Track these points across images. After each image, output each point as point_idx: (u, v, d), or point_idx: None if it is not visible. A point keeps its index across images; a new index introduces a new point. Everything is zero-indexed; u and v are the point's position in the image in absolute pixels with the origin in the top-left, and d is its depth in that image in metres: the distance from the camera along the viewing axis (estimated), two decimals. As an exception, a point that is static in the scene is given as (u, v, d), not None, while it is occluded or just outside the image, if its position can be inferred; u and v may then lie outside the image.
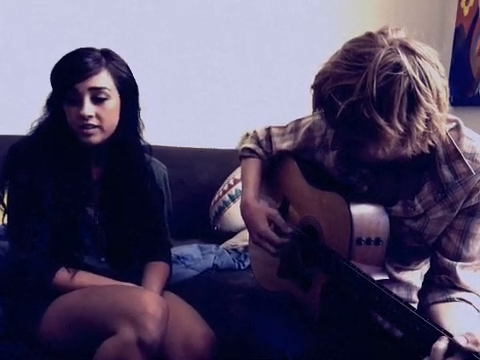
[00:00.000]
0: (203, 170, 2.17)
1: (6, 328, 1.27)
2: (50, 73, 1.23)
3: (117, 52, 1.27)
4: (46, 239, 1.25)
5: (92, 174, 1.30)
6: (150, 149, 1.39)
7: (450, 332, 0.78)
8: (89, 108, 1.19)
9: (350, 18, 2.46)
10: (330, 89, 0.90)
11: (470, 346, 0.73)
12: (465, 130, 1.02)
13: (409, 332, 0.82)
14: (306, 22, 2.46)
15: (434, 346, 0.76)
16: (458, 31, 2.47)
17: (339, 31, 2.41)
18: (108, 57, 1.23)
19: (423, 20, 2.45)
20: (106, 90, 1.21)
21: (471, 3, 2.40)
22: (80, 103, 1.19)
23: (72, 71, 1.19)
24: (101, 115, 1.21)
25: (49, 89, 1.25)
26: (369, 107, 0.87)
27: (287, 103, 2.36)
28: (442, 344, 0.75)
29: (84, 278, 1.26)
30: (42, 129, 1.27)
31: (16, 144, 1.26)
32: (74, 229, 1.26)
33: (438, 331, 0.77)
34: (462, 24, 2.45)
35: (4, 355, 1.21)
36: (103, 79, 1.21)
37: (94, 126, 1.20)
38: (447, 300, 1.01)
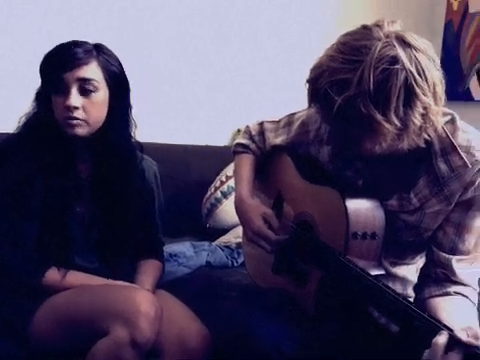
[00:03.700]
0: (195, 167, 2.15)
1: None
2: (40, 63, 1.21)
3: (110, 47, 1.25)
4: (34, 237, 1.23)
5: (80, 170, 1.28)
6: (141, 147, 1.37)
7: (448, 326, 0.78)
8: (75, 99, 1.17)
9: (339, 12, 2.46)
10: (326, 83, 0.89)
11: (471, 340, 0.73)
12: (460, 123, 1.02)
13: (407, 327, 0.82)
14: (298, 16, 2.45)
15: (434, 341, 0.75)
16: (448, 26, 2.48)
17: (330, 25, 2.40)
18: (99, 50, 1.22)
19: (413, 15, 2.46)
20: (94, 82, 1.19)
21: (460, -3, 2.41)
22: (67, 94, 1.17)
23: (61, 60, 1.18)
24: (87, 108, 1.19)
25: (38, 85, 1.24)
26: (366, 102, 0.86)
27: (281, 98, 2.35)
28: (442, 339, 0.75)
29: (75, 278, 1.24)
30: (30, 123, 1.25)
31: (3, 141, 1.25)
32: (63, 227, 1.25)
33: (438, 325, 0.76)
34: (452, 19, 2.46)
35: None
36: (92, 70, 1.19)
37: (79, 119, 1.18)
38: (444, 294, 1.01)
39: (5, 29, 2.00)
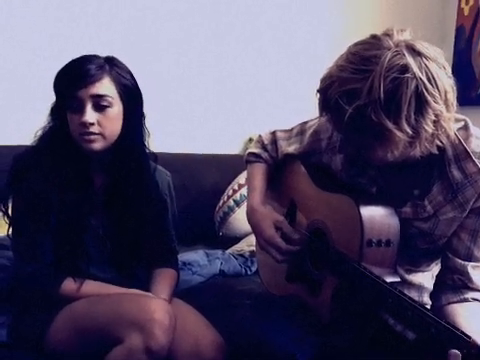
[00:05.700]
0: (207, 176, 2.16)
1: (12, 337, 1.26)
2: (53, 80, 1.22)
3: (119, 58, 1.27)
4: (50, 250, 1.24)
5: (94, 182, 1.29)
6: (155, 157, 1.38)
7: (467, 333, 0.77)
8: (90, 115, 1.18)
9: (349, 20, 2.46)
10: (337, 93, 0.90)
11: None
12: (473, 129, 1.01)
13: (424, 334, 0.81)
14: (308, 25, 2.46)
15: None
16: (459, 31, 2.47)
17: (339, 32, 2.41)
18: (111, 64, 1.23)
19: (423, 20, 2.45)
20: (108, 98, 1.20)
21: (471, 3, 2.40)
22: (82, 110, 1.18)
23: (74, 78, 1.19)
24: (103, 123, 1.20)
25: (54, 98, 1.25)
26: (377, 110, 0.87)
27: (292, 107, 2.36)
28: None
29: (91, 287, 1.25)
30: (45, 138, 1.26)
31: (20, 154, 1.26)
32: (78, 239, 1.26)
33: (455, 332, 0.76)
34: (463, 24, 2.45)
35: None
36: (105, 86, 1.20)
37: (95, 134, 1.20)
38: (461, 301, 1.01)
39: (9, 40, 2.04)
